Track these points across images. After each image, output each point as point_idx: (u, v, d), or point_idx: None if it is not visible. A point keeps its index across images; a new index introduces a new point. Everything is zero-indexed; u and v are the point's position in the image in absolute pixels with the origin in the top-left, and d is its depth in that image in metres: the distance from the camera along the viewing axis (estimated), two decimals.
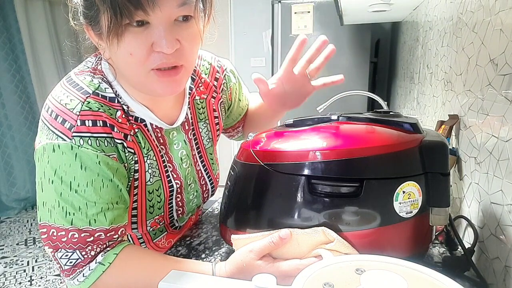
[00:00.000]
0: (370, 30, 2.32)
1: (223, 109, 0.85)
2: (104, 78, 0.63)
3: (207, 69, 0.81)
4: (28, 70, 3.22)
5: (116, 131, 0.61)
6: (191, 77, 0.77)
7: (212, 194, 0.87)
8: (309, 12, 2.31)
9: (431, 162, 0.54)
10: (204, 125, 0.80)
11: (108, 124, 0.60)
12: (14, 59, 3.15)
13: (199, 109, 0.79)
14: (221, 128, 0.87)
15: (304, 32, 2.34)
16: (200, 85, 0.79)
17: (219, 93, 0.83)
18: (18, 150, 3.25)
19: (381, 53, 2.66)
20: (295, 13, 2.32)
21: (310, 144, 0.56)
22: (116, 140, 0.61)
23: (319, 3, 2.29)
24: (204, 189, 0.82)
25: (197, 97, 0.78)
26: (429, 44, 1.29)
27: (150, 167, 0.68)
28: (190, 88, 0.76)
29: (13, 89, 3.16)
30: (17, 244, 2.72)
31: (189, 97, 0.76)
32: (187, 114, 0.75)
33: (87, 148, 0.57)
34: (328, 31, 2.33)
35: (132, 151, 0.64)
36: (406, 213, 0.54)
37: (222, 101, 0.84)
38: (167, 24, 0.54)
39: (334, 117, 0.64)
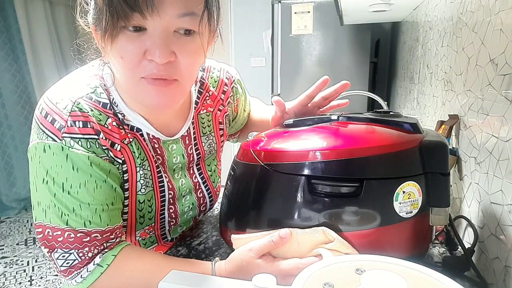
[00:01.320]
0: (370, 30, 2.32)
1: (227, 121, 0.85)
2: (102, 84, 0.62)
3: (215, 81, 0.80)
4: (28, 70, 3.21)
5: (102, 137, 0.59)
6: (199, 90, 0.76)
7: (211, 207, 0.85)
8: (309, 12, 2.31)
9: (431, 162, 0.54)
10: (207, 139, 0.79)
11: (94, 128, 0.58)
12: (14, 59, 3.14)
13: (203, 123, 0.77)
14: (225, 138, 0.86)
15: (304, 32, 2.34)
16: (207, 98, 0.78)
17: (225, 106, 0.82)
18: (18, 150, 3.25)
19: (381, 53, 2.65)
20: (295, 13, 2.32)
21: (310, 144, 0.56)
22: (103, 146, 0.59)
23: (319, 3, 2.29)
24: (202, 202, 0.81)
25: (202, 112, 0.77)
26: (429, 44, 1.29)
27: (142, 178, 0.66)
28: (196, 103, 0.75)
29: (13, 89, 3.15)
30: (17, 244, 2.72)
31: (194, 112, 0.74)
32: (189, 128, 0.74)
33: (78, 150, 0.56)
34: (328, 31, 2.33)
35: (120, 161, 0.62)
36: (406, 213, 0.54)
37: (228, 113, 0.84)
38: (164, 33, 0.52)
39: (334, 117, 0.64)
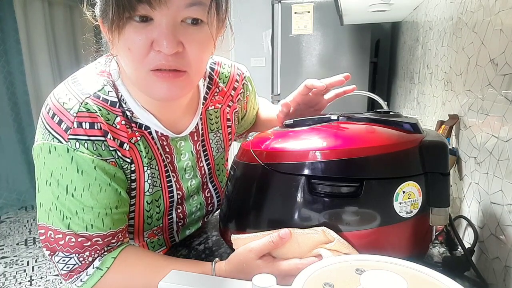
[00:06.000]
0: (370, 30, 2.32)
1: (236, 118, 0.84)
2: (110, 81, 0.61)
3: (226, 77, 0.79)
4: (23, 71, 3.19)
5: (110, 138, 0.58)
6: (207, 85, 0.75)
7: (218, 207, 0.84)
8: (309, 12, 2.31)
9: (431, 162, 0.54)
10: (215, 135, 0.78)
11: (102, 129, 0.57)
12: (7, 61, 3.11)
13: (211, 120, 0.76)
14: (233, 136, 0.85)
15: (304, 32, 2.34)
16: (216, 94, 0.76)
17: (235, 103, 0.81)
18: (5, 151, 3.21)
19: (381, 53, 2.65)
20: (295, 13, 2.32)
21: (310, 144, 0.56)
22: (110, 147, 0.58)
23: (319, 3, 2.29)
24: (209, 202, 0.80)
25: (210, 108, 0.76)
26: (429, 44, 1.29)
27: (150, 177, 0.65)
28: (204, 98, 0.74)
29: (4, 91, 3.13)
30: (17, 244, 2.72)
31: (202, 107, 0.73)
32: (197, 124, 0.72)
33: (83, 152, 0.56)
34: (328, 31, 2.33)
35: (129, 160, 0.61)
36: (406, 213, 0.54)
37: (237, 110, 0.82)
38: (171, 23, 0.51)
39: (334, 117, 0.64)
